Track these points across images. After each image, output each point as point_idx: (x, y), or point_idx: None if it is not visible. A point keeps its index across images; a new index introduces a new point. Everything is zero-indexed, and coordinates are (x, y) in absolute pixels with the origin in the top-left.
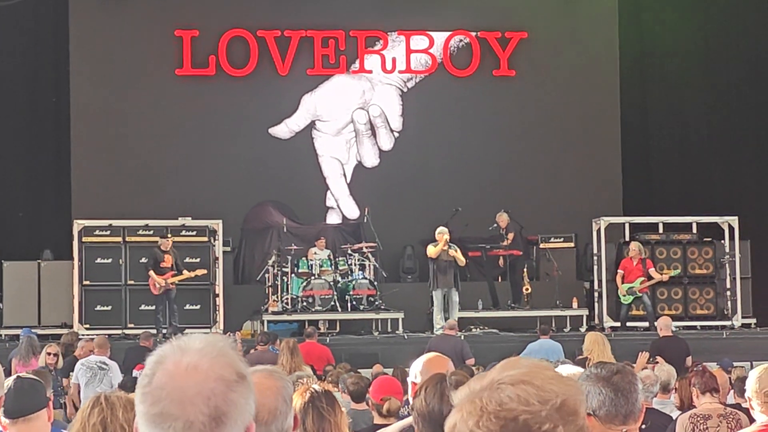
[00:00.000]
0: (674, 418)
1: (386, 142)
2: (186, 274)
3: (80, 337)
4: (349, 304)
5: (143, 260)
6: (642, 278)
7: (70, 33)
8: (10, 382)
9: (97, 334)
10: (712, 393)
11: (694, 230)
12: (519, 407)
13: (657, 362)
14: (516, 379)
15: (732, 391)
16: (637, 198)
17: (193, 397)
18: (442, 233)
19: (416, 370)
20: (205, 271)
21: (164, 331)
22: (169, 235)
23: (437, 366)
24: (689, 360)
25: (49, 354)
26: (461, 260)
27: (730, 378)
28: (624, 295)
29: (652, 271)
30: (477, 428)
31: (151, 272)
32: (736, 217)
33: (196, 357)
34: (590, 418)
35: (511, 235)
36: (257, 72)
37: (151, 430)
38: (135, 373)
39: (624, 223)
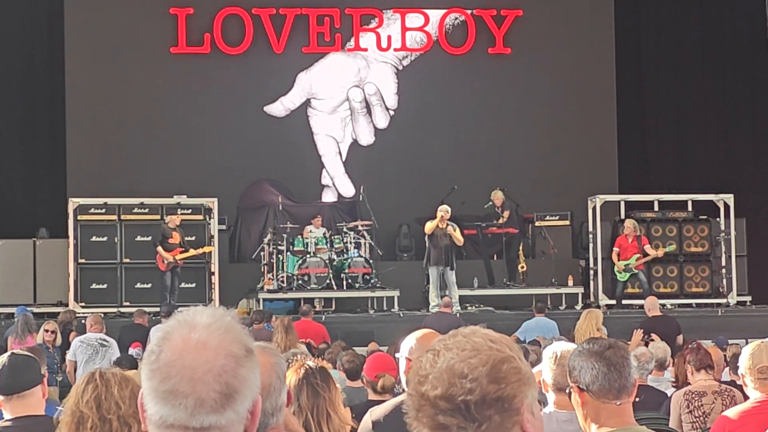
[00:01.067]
0: (669, 395)
1: (382, 120)
2: (193, 251)
3: (77, 315)
4: (344, 283)
5: (139, 238)
6: (638, 255)
7: (65, 11)
8: (4, 358)
9: (92, 312)
10: (707, 370)
11: (690, 208)
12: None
13: (652, 340)
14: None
15: (727, 369)
16: (633, 176)
17: (204, 374)
18: (441, 211)
19: (409, 346)
20: (212, 248)
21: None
22: (179, 211)
23: (430, 341)
24: (680, 338)
25: (47, 331)
26: (459, 239)
27: (725, 355)
28: (620, 272)
29: (647, 247)
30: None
31: (159, 248)
32: (731, 195)
33: (205, 333)
34: (583, 393)
35: (506, 213)
36: (252, 50)
37: (161, 406)
38: (131, 350)
39: (619, 201)
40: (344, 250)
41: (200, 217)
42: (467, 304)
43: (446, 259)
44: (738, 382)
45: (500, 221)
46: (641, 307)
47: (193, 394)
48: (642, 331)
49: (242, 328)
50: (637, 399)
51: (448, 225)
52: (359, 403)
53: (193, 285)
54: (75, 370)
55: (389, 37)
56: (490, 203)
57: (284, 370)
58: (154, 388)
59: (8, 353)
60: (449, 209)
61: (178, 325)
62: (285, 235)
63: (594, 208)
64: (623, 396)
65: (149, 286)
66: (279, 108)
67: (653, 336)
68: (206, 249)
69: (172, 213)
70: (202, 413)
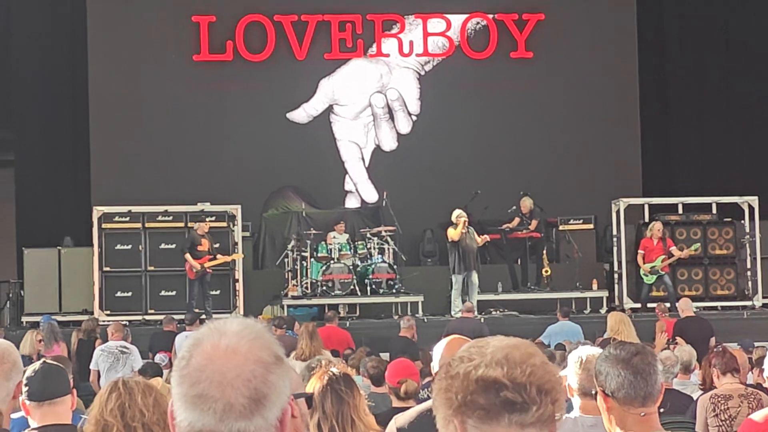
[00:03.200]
0: (695, 398)
1: (404, 126)
2: (221, 258)
3: (100, 323)
4: (368, 288)
5: (163, 246)
6: (663, 257)
7: (88, 19)
8: (36, 365)
9: (117, 320)
10: (733, 373)
11: (714, 210)
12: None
13: (677, 343)
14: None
15: (752, 371)
16: (657, 178)
17: (233, 379)
18: (460, 216)
19: (438, 356)
20: (242, 255)
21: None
22: (208, 219)
23: (457, 348)
24: (713, 341)
25: (39, 341)
26: (478, 240)
27: (750, 358)
28: (647, 275)
29: (673, 249)
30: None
31: (187, 255)
32: (756, 197)
33: (234, 339)
34: (608, 399)
35: (534, 222)
36: (274, 57)
37: (190, 411)
38: (157, 357)
39: (643, 204)
40: (368, 256)
41: (224, 224)
42: (491, 309)
43: (472, 264)
44: (765, 385)
45: (531, 227)
46: (668, 310)
47: (222, 398)
48: (666, 335)
49: (272, 336)
50: (662, 409)
51: (469, 229)
52: (384, 411)
53: (218, 292)
54: (98, 379)
55: (411, 43)
56: (515, 208)
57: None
58: (183, 393)
59: (41, 361)
60: (463, 213)
61: (208, 332)
62: (308, 242)
63: (618, 212)
64: (649, 403)
65: (174, 293)
66: (302, 114)
67: (678, 339)
68: (235, 256)
69: (199, 220)
70: (231, 419)
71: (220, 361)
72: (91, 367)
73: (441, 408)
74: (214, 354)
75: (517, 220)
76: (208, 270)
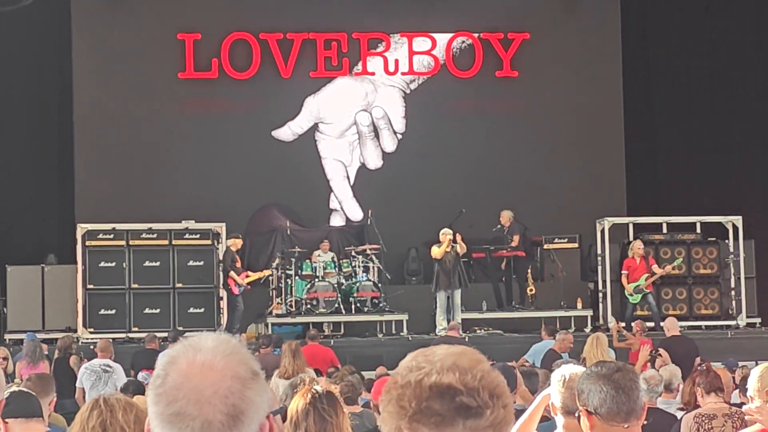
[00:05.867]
0: (679, 417)
1: (389, 144)
2: (254, 275)
3: (78, 339)
4: (353, 306)
5: (147, 263)
6: (646, 275)
7: (73, 37)
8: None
9: (101, 338)
10: (717, 392)
11: (698, 230)
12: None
13: (660, 355)
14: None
15: (736, 391)
16: (641, 198)
17: (211, 396)
18: (446, 234)
19: None
20: (270, 272)
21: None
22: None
23: None
24: (698, 360)
25: (3, 359)
26: (462, 247)
27: (734, 377)
28: (632, 295)
29: (654, 267)
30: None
31: (232, 273)
32: (740, 217)
33: (210, 355)
34: (591, 417)
35: (516, 238)
36: (260, 75)
37: (167, 430)
38: (140, 375)
39: (628, 224)
40: (352, 274)
41: (208, 242)
42: (476, 327)
43: (455, 281)
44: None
45: (513, 244)
46: (651, 329)
47: (200, 416)
48: (650, 347)
49: (247, 351)
50: (646, 422)
51: (453, 247)
52: (367, 430)
53: (202, 310)
54: (84, 397)
55: (396, 61)
56: (499, 226)
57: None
58: (160, 412)
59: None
60: (451, 232)
61: (183, 349)
62: (293, 260)
63: (602, 231)
64: (632, 419)
65: (158, 311)
66: (287, 132)
67: (660, 351)
68: (265, 272)
69: (232, 236)
70: None
71: (197, 378)
72: (78, 385)
73: (391, 419)
74: (190, 371)
75: (517, 238)
76: (248, 286)
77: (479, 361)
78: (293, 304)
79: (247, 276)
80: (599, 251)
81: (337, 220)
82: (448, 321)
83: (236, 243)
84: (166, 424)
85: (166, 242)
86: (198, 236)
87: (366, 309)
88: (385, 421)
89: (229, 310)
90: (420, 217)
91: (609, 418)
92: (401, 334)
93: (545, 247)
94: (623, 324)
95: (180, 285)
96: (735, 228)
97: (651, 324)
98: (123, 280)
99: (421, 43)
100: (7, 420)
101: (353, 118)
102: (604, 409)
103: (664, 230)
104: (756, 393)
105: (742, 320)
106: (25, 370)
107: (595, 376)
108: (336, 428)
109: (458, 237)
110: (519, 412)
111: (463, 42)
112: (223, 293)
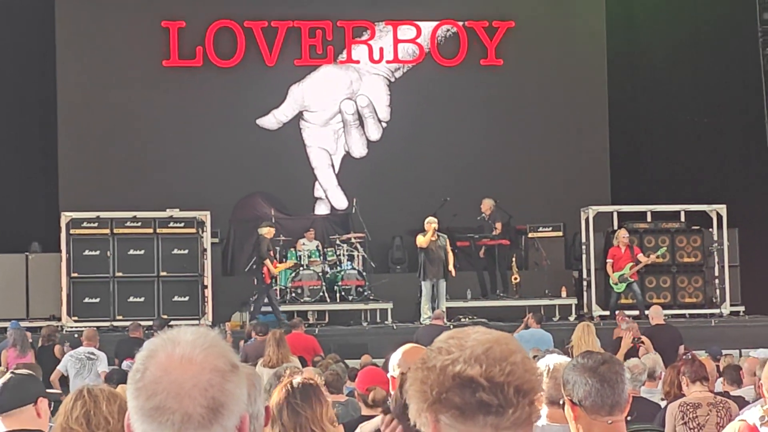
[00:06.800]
0: (662, 406)
1: (374, 133)
2: (282, 265)
3: (62, 328)
4: (337, 295)
5: (132, 252)
6: (631, 264)
7: (57, 25)
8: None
9: (85, 326)
10: (702, 382)
11: (683, 218)
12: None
13: (642, 343)
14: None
15: (720, 379)
16: (625, 187)
17: (190, 389)
18: (430, 222)
19: (394, 363)
20: (294, 262)
21: (254, 317)
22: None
23: (416, 356)
24: (682, 348)
25: None
26: (449, 251)
27: (718, 366)
28: (616, 284)
29: (640, 256)
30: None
31: (267, 261)
32: (724, 206)
33: (189, 348)
34: (576, 408)
35: (499, 225)
36: (244, 63)
37: (147, 424)
38: (124, 364)
39: (612, 212)
40: (337, 263)
41: (193, 230)
42: (460, 316)
43: (441, 271)
44: (732, 393)
45: (495, 233)
46: (635, 317)
47: (180, 409)
48: (632, 334)
49: (226, 344)
50: (629, 418)
51: (439, 236)
52: (352, 419)
53: (186, 298)
54: (59, 379)
55: (381, 50)
56: (481, 215)
57: (259, 378)
58: (140, 406)
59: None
60: (435, 220)
61: (162, 342)
62: (278, 248)
63: (587, 219)
64: (616, 412)
65: (142, 299)
66: (271, 121)
67: (644, 339)
68: (291, 263)
69: (267, 225)
70: (190, 429)
71: (176, 371)
72: (58, 367)
73: (415, 400)
74: (169, 365)
75: (500, 225)
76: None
77: (512, 352)
78: (278, 292)
79: (276, 267)
80: (584, 240)
81: (321, 209)
82: (433, 309)
83: (270, 231)
84: (146, 418)
85: (151, 231)
86: (182, 225)
87: (351, 297)
88: (410, 398)
89: (258, 296)
90: (405, 205)
91: (593, 411)
92: (386, 322)
93: (530, 235)
94: (608, 312)
95: (164, 273)
96: (719, 217)
97: (635, 312)
98: (107, 269)
99: (406, 31)
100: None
101: (338, 107)
102: (588, 402)
103: (649, 219)
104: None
105: (725, 308)
106: (12, 359)
107: (581, 367)
108: (311, 422)
109: (447, 242)
110: None
111: (448, 30)
112: (207, 281)
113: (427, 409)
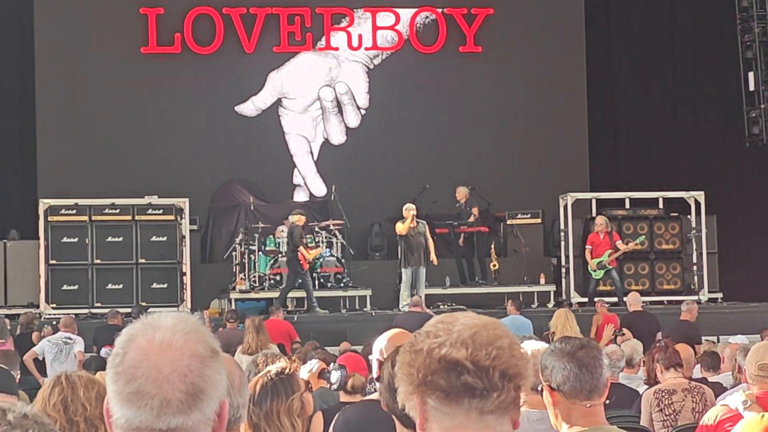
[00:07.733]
0: (641, 392)
1: (353, 120)
2: (314, 251)
3: (40, 315)
4: (316, 282)
5: (110, 239)
6: (610, 251)
7: (35, 11)
8: None
9: (63, 314)
10: (676, 368)
11: (661, 205)
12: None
13: (623, 334)
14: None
15: (698, 366)
16: (604, 174)
17: (169, 374)
18: (409, 209)
19: (380, 347)
20: (323, 249)
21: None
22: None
23: (402, 341)
24: (660, 335)
25: None
26: (429, 238)
27: (695, 352)
28: (595, 270)
29: (618, 243)
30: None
31: (301, 248)
32: (702, 193)
33: (169, 334)
34: (554, 393)
35: (475, 210)
36: (223, 49)
37: (126, 409)
38: (103, 351)
39: (591, 199)
40: None
41: (171, 217)
42: (439, 303)
43: (421, 258)
44: (709, 379)
45: (471, 219)
46: (614, 304)
47: (159, 394)
48: (614, 326)
49: (206, 329)
50: (607, 401)
51: (418, 223)
52: (331, 406)
53: (165, 285)
54: (33, 362)
55: (360, 36)
56: (459, 203)
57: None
58: (119, 391)
59: None
60: (414, 207)
61: (141, 327)
62: (256, 235)
63: (565, 206)
64: (594, 396)
65: (120, 286)
66: (250, 108)
67: (624, 331)
68: (321, 249)
69: (297, 213)
70: (169, 414)
71: (155, 356)
72: (34, 348)
73: (403, 383)
74: (148, 349)
75: (476, 210)
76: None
77: (499, 337)
78: (257, 279)
79: (309, 253)
80: (562, 227)
81: (300, 196)
82: (412, 297)
83: (301, 219)
84: (125, 402)
85: (129, 218)
86: (161, 211)
87: (329, 284)
88: (399, 381)
89: (289, 281)
90: (383, 192)
91: (572, 396)
92: (364, 309)
93: (508, 222)
94: (586, 299)
95: (143, 260)
96: (697, 203)
97: (614, 299)
98: (86, 256)
99: (385, 18)
100: None
101: (317, 94)
102: (567, 387)
103: (627, 206)
104: (748, 366)
105: (703, 295)
106: None
107: (559, 352)
108: (276, 415)
109: (427, 229)
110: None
111: (427, 17)
112: (186, 268)
113: (413, 392)
